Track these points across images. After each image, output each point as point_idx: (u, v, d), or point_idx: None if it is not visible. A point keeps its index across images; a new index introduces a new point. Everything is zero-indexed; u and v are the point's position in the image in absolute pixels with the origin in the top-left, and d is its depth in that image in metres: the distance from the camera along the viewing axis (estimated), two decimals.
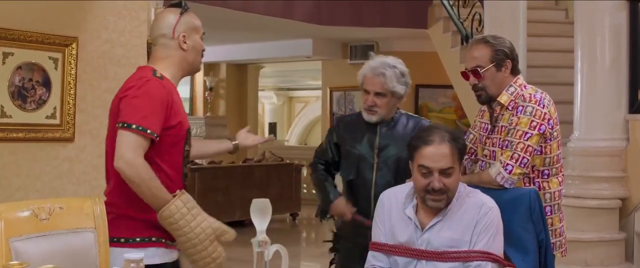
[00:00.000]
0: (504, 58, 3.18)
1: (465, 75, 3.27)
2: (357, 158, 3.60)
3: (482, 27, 6.89)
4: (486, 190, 3.02)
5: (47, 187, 4.46)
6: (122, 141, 2.72)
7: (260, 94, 15.19)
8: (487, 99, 3.24)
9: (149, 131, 2.74)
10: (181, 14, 3.05)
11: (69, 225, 2.84)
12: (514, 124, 3.11)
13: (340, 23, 9.94)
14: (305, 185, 12.89)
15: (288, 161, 11.13)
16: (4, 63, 4.23)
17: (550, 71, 7.20)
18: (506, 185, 3.08)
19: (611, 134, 5.38)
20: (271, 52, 11.92)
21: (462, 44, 7.86)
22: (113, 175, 2.82)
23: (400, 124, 3.60)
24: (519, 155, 3.07)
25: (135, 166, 2.69)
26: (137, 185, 2.70)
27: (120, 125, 2.76)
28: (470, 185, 2.96)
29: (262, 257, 2.03)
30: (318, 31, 10.32)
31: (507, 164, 3.07)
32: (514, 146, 3.08)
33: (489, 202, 2.80)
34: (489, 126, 3.29)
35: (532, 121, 3.09)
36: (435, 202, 2.74)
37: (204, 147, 3.42)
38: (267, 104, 20.13)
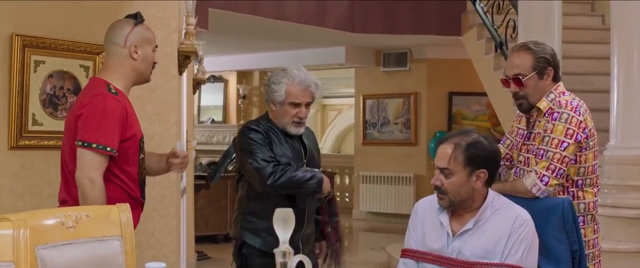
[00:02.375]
0: (546, 65, 3.14)
1: (505, 82, 3.21)
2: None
3: (516, 33, 6.80)
4: (518, 198, 2.97)
5: None
6: (85, 161, 2.99)
7: None
8: (529, 108, 3.17)
9: (108, 149, 3.00)
10: (135, 24, 3.20)
11: (95, 233, 2.83)
12: (549, 131, 3.05)
13: (373, 30, 9.90)
14: (338, 193, 12.85)
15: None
16: (35, 71, 4.26)
17: (586, 78, 7.09)
18: (541, 197, 3.02)
19: None
20: (304, 59, 11.87)
21: (496, 50, 7.78)
22: (72, 181, 3.07)
23: (307, 133, 3.65)
24: (556, 167, 3.00)
25: (96, 187, 3.00)
26: (87, 200, 2.99)
27: (80, 143, 3.00)
28: (503, 193, 2.92)
29: (286, 267, 2.00)
30: (351, 39, 10.29)
31: (544, 175, 3.00)
32: (551, 156, 3.01)
33: (523, 214, 2.76)
34: (525, 132, 3.23)
35: (568, 129, 3.03)
36: (438, 199, 2.81)
37: (150, 164, 3.44)
38: None
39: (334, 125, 19.82)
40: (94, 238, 2.82)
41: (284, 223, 2.06)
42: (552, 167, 3.00)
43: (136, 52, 3.16)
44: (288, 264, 1.99)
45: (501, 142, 3.40)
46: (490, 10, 7.77)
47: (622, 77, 5.39)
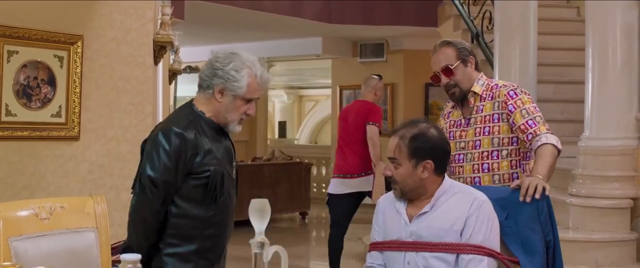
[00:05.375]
0: (468, 54, 3.46)
1: (435, 78, 3.49)
2: (221, 176, 2.90)
3: (492, 25, 6.83)
4: (495, 190, 3.07)
5: (52, 186, 4.44)
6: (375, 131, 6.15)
7: (270, 92, 15.15)
8: (461, 95, 3.45)
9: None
10: (378, 81, 6.46)
11: (69, 224, 2.82)
12: (520, 106, 3.31)
13: (350, 21, 9.90)
14: (315, 184, 12.85)
15: (297, 160, 11.09)
16: (8, 61, 4.21)
17: (561, 69, 7.14)
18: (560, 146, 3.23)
19: (623, 133, 5.31)
20: (281, 50, 11.87)
21: (472, 42, 7.79)
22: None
23: None
24: (546, 123, 3.30)
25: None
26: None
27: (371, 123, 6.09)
28: (550, 170, 3.10)
29: (261, 258, 1.99)
30: (328, 29, 10.28)
31: (549, 131, 3.26)
32: (539, 119, 3.28)
33: (481, 196, 2.83)
34: (462, 120, 3.47)
35: (528, 96, 3.36)
36: (392, 189, 2.89)
37: None
38: (278, 102, 20.11)
39: (311, 115, 19.84)
40: (68, 230, 2.81)
41: (260, 214, 2.06)
42: (547, 125, 3.29)
43: (376, 94, 6.40)
44: (264, 255, 1.99)
45: None
46: (467, 1, 7.79)
47: (597, 68, 5.42)
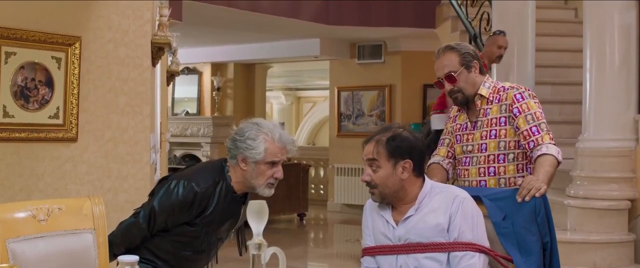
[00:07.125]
0: (472, 59, 3.39)
1: (439, 84, 3.45)
2: (199, 236, 3.16)
3: (490, 26, 6.84)
4: (493, 191, 3.11)
5: (50, 187, 4.43)
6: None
7: (268, 94, 15.13)
8: (464, 100, 3.41)
9: None
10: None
11: (67, 226, 2.82)
12: (526, 110, 3.27)
13: (348, 23, 9.91)
14: (313, 185, 12.85)
15: (295, 161, 11.09)
16: (6, 62, 4.20)
17: (559, 71, 7.16)
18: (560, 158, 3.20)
19: (620, 134, 5.33)
20: (279, 51, 11.87)
21: (470, 43, 7.81)
22: None
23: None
24: (550, 131, 3.25)
25: None
26: None
27: None
28: (549, 179, 3.07)
29: (259, 259, 1.99)
30: (326, 31, 10.28)
31: (552, 142, 3.22)
32: (544, 127, 3.24)
33: (461, 193, 2.87)
34: (468, 123, 3.44)
35: (536, 101, 3.31)
36: (371, 194, 2.90)
37: None
38: (275, 103, 20.09)
39: (309, 117, 19.83)
40: (66, 231, 2.81)
41: (258, 215, 2.06)
42: (551, 134, 3.24)
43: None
44: (262, 256, 1.99)
45: (440, 144, 3.61)
46: (465, 2, 7.80)
47: (594, 69, 5.44)
